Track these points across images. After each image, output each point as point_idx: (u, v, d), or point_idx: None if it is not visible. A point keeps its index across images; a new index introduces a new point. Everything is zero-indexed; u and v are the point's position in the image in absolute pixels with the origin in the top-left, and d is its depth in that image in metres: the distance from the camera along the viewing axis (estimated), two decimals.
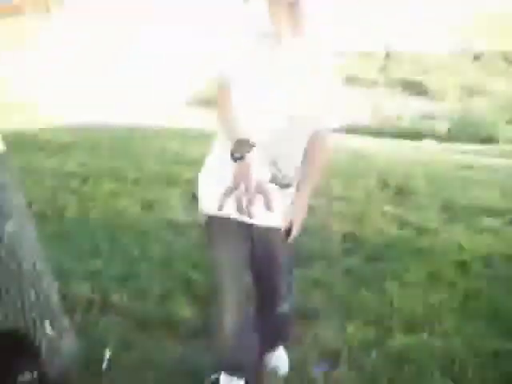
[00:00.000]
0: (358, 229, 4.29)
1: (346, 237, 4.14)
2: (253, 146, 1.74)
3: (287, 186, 1.99)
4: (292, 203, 2.02)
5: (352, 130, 11.56)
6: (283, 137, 1.90)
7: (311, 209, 2.48)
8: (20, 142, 7.23)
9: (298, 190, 2.05)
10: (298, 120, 1.91)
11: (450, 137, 12.53)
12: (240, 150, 1.72)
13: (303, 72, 1.89)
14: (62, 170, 5.63)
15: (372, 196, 5.21)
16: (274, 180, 1.94)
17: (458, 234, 4.34)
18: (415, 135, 12.23)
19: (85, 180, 5.21)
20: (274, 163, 1.92)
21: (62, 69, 15.61)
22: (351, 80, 18.83)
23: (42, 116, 10.04)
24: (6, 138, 2.33)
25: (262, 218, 1.81)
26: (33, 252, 2.62)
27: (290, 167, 1.98)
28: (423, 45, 21.51)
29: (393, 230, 4.34)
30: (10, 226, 2.44)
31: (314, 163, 2.06)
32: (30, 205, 3.83)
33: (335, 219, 4.44)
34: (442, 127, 13.35)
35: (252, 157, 1.72)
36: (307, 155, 2.03)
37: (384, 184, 5.51)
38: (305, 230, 2.11)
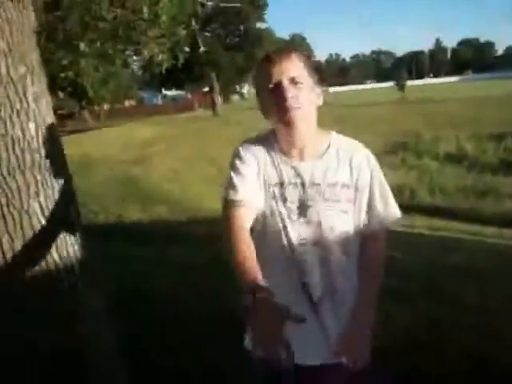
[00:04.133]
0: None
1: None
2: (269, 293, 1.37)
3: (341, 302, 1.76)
4: (349, 324, 1.75)
5: None
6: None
7: None
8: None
9: (357, 303, 1.78)
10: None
11: None
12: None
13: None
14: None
15: None
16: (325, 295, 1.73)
17: None
18: None
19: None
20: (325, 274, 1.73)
21: None
22: None
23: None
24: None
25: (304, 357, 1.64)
26: (108, 355, 2.67)
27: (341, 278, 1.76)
28: None
29: None
30: (82, 329, 2.52)
31: (370, 267, 1.83)
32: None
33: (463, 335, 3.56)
34: None
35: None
36: (363, 259, 1.83)
37: None
38: None
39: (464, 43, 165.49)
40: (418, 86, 72.81)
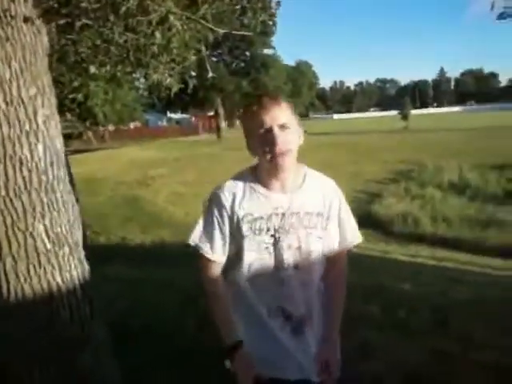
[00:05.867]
0: None
1: None
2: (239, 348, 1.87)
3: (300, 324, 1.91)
4: (325, 343, 1.95)
5: None
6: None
7: None
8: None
9: (325, 323, 1.98)
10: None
11: None
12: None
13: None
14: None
15: None
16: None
17: None
18: None
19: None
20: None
21: None
22: None
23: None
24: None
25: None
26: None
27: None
28: None
29: None
30: (84, 358, 2.47)
31: (339, 287, 2.03)
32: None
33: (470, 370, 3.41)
34: None
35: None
36: (333, 280, 2.01)
37: None
38: None
39: (467, 74, 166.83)
40: (422, 115, 73.28)
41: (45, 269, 2.31)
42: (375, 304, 4.36)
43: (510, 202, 16.98)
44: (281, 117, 1.80)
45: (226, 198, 1.90)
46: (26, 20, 2.25)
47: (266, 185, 1.89)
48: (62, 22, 2.80)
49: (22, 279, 2.28)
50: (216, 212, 1.91)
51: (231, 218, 1.89)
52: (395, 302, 4.45)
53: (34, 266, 2.29)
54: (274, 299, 1.89)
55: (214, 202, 1.93)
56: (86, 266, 2.55)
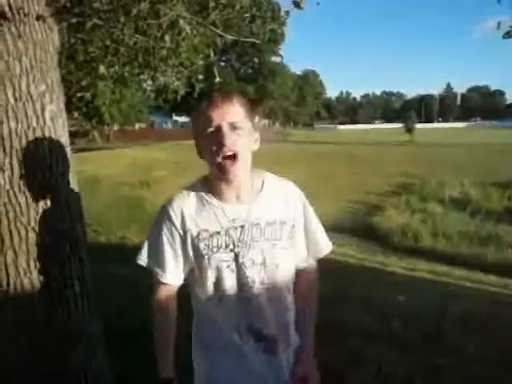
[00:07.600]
0: None
1: None
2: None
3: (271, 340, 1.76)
4: (302, 359, 1.82)
5: None
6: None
7: None
8: None
9: (300, 338, 1.85)
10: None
11: None
12: None
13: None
14: None
15: None
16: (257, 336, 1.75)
17: None
18: None
19: None
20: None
21: None
22: None
23: None
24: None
25: None
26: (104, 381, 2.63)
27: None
28: None
29: None
30: (78, 352, 2.50)
31: (312, 299, 1.89)
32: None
33: None
34: None
35: None
36: (305, 292, 1.87)
37: None
38: None
39: (474, 90, 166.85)
40: (426, 130, 73.27)
41: (44, 264, 2.34)
42: (370, 315, 4.38)
43: (510, 221, 16.94)
44: (231, 114, 1.61)
45: (176, 215, 1.70)
46: (38, 18, 2.29)
47: (219, 195, 1.70)
48: (73, 21, 2.84)
49: (21, 273, 2.31)
50: (165, 230, 1.72)
51: (184, 237, 1.70)
52: (391, 314, 4.46)
53: (35, 261, 2.31)
54: (242, 320, 1.72)
55: (162, 219, 1.72)
56: (86, 264, 2.58)
